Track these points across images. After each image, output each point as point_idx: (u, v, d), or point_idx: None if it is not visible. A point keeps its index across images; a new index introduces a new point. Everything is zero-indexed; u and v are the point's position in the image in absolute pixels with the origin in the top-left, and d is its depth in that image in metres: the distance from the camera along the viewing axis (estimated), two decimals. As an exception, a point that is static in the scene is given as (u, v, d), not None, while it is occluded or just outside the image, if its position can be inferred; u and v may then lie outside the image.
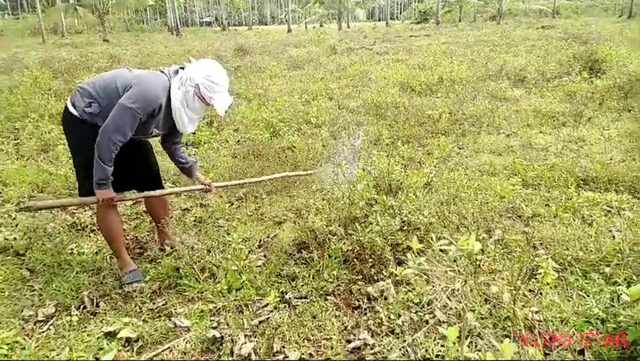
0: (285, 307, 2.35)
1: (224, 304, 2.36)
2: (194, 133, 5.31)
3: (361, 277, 2.53)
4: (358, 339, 2.07)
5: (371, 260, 2.60)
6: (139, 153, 2.75)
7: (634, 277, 2.40)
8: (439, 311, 2.16)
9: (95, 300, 2.45)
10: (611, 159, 4.37)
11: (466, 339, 1.99)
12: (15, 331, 2.16)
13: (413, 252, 1.77)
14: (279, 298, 2.38)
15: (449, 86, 8.10)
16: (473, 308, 2.18)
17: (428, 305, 2.23)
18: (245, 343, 2.06)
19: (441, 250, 1.68)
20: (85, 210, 3.59)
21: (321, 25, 43.70)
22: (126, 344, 2.12)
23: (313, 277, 2.56)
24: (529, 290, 2.33)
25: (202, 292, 2.47)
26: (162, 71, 2.53)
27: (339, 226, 2.79)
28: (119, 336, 2.12)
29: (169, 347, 2.09)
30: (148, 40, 23.85)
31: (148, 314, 2.35)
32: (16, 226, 3.22)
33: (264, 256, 2.87)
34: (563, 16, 35.39)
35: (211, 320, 2.27)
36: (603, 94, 6.91)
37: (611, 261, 2.55)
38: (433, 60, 10.95)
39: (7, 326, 2.23)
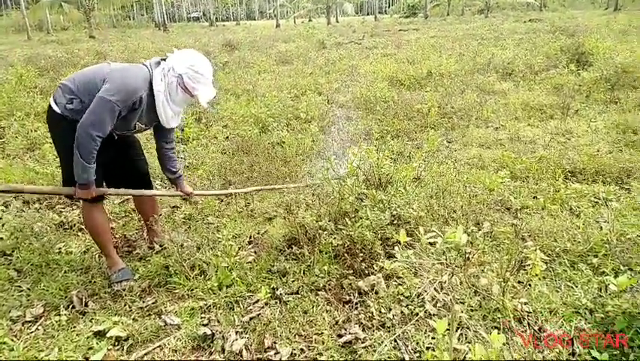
0: (276, 303, 2.35)
1: (214, 301, 2.35)
2: (182, 130, 5.28)
3: (352, 271, 2.53)
4: (349, 333, 2.08)
5: (361, 255, 2.60)
6: (126, 151, 2.71)
7: (621, 267, 2.43)
8: (429, 304, 2.18)
9: (83, 299, 2.42)
10: (598, 151, 4.42)
11: (456, 331, 2.01)
12: (3, 332, 2.13)
13: (401, 245, 1.77)
14: (269, 294, 2.38)
15: (438, 80, 8.13)
16: (463, 300, 2.20)
17: (418, 298, 2.24)
18: (236, 339, 2.06)
19: (429, 243, 1.69)
20: (72, 209, 3.55)
21: (309, 20, 43.57)
22: (116, 343, 2.10)
23: (304, 273, 2.56)
24: (518, 282, 2.35)
25: (192, 290, 2.46)
26: (144, 64, 2.48)
27: (329, 221, 2.79)
28: (108, 335, 2.11)
29: (159, 346, 2.08)
30: (135, 37, 23.56)
31: (138, 313, 2.34)
32: (3, 225, 3.17)
33: (255, 253, 2.86)
34: (551, 9, 35.59)
35: (202, 318, 2.26)
36: (590, 86, 6.99)
37: (598, 252, 2.58)
38: (421, 54, 10.98)
39: (-5, 327, 2.20)
